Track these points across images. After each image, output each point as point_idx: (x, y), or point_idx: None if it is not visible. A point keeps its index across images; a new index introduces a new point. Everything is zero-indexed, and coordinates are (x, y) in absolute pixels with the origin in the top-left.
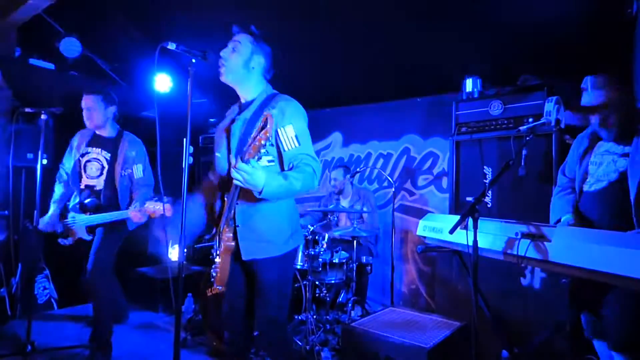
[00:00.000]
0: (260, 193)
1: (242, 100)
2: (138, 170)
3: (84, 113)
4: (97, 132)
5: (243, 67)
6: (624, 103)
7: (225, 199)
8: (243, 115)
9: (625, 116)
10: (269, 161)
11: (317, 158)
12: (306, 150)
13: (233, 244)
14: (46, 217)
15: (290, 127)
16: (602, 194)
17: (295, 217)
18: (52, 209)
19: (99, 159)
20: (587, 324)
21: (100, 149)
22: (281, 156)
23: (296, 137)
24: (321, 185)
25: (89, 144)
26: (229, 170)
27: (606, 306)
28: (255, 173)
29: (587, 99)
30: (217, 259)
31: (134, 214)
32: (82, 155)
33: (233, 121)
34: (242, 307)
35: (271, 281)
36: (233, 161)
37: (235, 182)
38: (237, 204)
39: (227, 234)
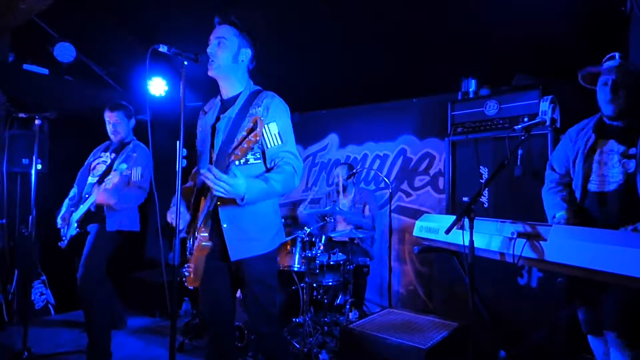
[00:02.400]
0: (242, 200)
1: (224, 95)
2: (137, 173)
3: (109, 128)
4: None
5: (232, 62)
6: (636, 82)
7: (203, 197)
8: (228, 114)
9: (634, 99)
10: (256, 159)
11: (299, 155)
12: (288, 147)
13: (209, 244)
14: (61, 213)
15: (274, 124)
16: (610, 197)
17: (279, 215)
18: (64, 206)
19: (106, 161)
20: (583, 319)
21: (110, 153)
22: (264, 152)
23: (279, 134)
24: (318, 186)
25: (104, 150)
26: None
27: (603, 300)
28: (236, 183)
29: (606, 65)
30: (191, 259)
31: (97, 193)
32: (95, 159)
33: (218, 119)
34: (223, 306)
35: (260, 277)
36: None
37: (215, 193)
38: (218, 203)
39: (203, 234)
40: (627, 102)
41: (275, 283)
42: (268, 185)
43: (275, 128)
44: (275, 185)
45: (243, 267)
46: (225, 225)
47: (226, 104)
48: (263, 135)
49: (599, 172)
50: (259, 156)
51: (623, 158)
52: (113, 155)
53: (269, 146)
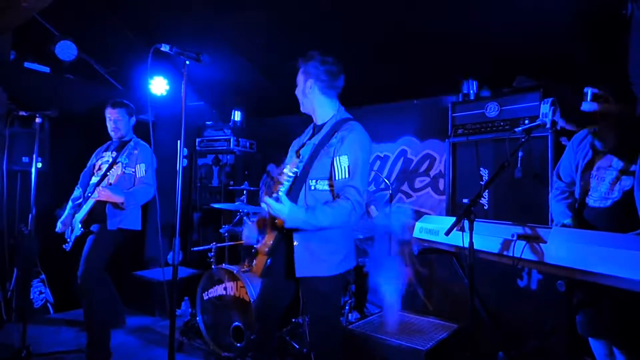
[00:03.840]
0: (285, 222)
1: (316, 121)
2: (141, 169)
3: (110, 125)
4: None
5: (303, 96)
6: (622, 118)
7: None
8: (313, 140)
9: (623, 131)
10: (324, 186)
11: (363, 193)
12: (354, 182)
13: (267, 249)
14: (62, 218)
15: (345, 157)
16: (607, 213)
17: (351, 241)
18: (67, 209)
19: (108, 160)
20: (582, 322)
21: (111, 152)
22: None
23: (348, 167)
24: None
25: (105, 150)
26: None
27: (603, 304)
28: (279, 208)
29: (584, 107)
30: (258, 250)
31: (99, 191)
32: (98, 159)
33: (304, 145)
34: (276, 306)
35: (324, 297)
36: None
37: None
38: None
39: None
40: (614, 142)
41: (339, 305)
42: (308, 215)
43: (345, 161)
44: (320, 216)
45: (309, 286)
46: (296, 243)
47: (316, 130)
48: (333, 165)
49: (597, 187)
50: (326, 183)
51: (622, 175)
52: (115, 153)
53: (337, 178)
